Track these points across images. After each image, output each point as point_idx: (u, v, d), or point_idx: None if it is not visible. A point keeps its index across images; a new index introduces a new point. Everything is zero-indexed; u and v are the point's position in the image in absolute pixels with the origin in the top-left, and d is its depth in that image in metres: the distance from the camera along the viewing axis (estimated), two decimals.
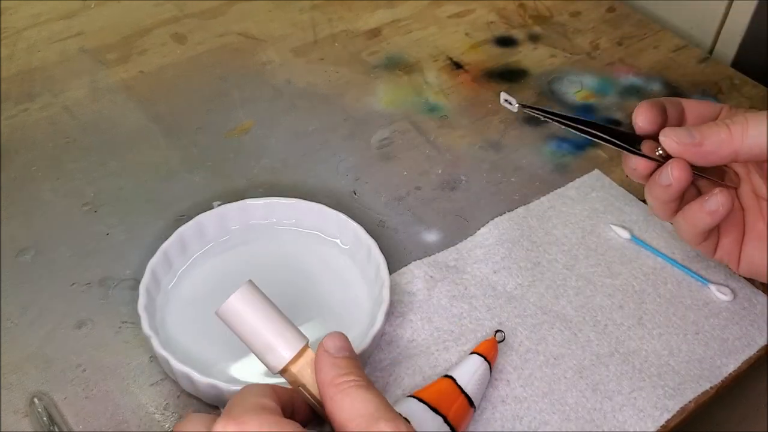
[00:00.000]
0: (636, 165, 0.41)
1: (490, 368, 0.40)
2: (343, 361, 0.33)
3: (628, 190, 0.53)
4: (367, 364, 0.42)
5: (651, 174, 0.41)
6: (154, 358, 0.42)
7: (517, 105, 0.38)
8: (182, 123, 0.57)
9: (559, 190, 0.53)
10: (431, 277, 0.46)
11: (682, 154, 0.39)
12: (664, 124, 0.41)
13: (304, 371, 0.35)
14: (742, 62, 0.64)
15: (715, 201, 0.40)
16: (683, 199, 0.41)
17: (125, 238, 0.49)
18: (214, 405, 0.41)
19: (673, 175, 0.40)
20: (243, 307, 0.36)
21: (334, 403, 0.32)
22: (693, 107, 0.43)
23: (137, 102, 0.59)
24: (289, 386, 0.37)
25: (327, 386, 0.33)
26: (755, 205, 0.43)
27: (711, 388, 0.42)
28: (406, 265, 0.47)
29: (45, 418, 0.40)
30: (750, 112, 0.39)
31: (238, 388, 0.38)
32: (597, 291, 0.47)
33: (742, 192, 0.44)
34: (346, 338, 0.35)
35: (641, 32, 0.67)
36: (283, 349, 0.35)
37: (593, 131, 0.40)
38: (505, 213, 0.51)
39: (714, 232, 0.42)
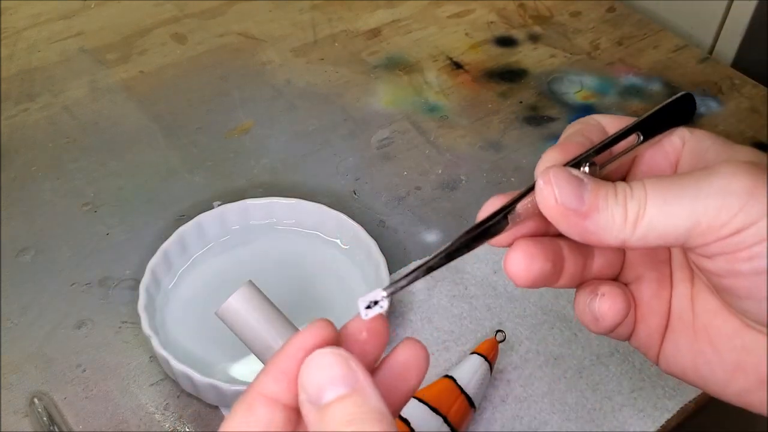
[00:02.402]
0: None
1: (491, 368, 0.40)
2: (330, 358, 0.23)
3: None
4: None
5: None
6: (154, 358, 0.42)
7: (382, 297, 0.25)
8: (182, 123, 0.57)
9: None
10: (431, 276, 0.46)
11: (555, 220, 0.26)
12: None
13: None
14: (742, 62, 0.64)
15: (600, 306, 0.28)
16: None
17: (125, 238, 0.49)
18: (214, 405, 0.41)
19: (510, 266, 0.27)
20: (242, 308, 0.36)
21: None
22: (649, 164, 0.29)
23: (137, 102, 0.59)
24: None
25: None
26: (685, 282, 0.29)
27: None
28: (406, 265, 0.47)
29: (45, 418, 0.40)
30: (651, 181, 0.25)
31: (239, 388, 0.38)
32: None
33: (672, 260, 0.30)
34: (326, 329, 0.24)
35: (641, 32, 0.67)
36: None
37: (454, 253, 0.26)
38: None
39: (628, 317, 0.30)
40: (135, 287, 0.44)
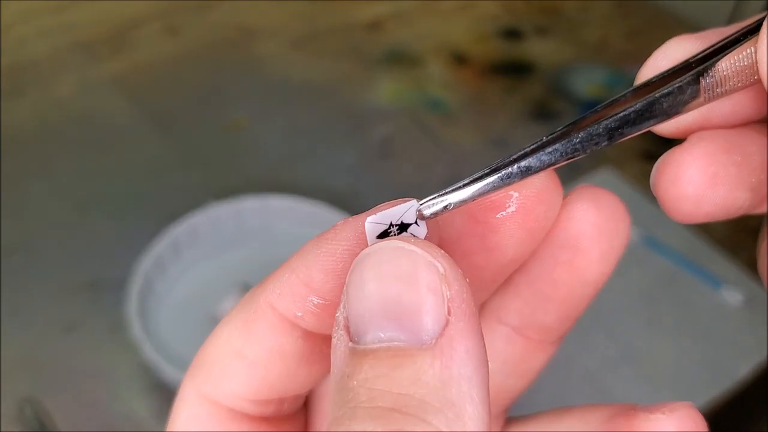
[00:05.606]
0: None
1: None
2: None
3: (639, 190, 0.52)
4: None
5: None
6: (146, 362, 0.41)
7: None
8: (176, 119, 0.56)
9: (567, 188, 0.52)
10: None
11: None
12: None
13: None
14: None
15: None
16: None
17: (117, 239, 0.48)
18: None
19: (670, 185, 0.15)
20: None
21: None
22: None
23: (130, 97, 0.57)
24: None
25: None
26: None
27: (723, 392, 0.41)
28: None
29: (35, 424, 0.39)
30: None
31: None
32: (606, 293, 0.45)
33: None
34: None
35: (651, 25, 0.65)
36: None
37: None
38: None
39: None
40: (126, 290, 0.43)
